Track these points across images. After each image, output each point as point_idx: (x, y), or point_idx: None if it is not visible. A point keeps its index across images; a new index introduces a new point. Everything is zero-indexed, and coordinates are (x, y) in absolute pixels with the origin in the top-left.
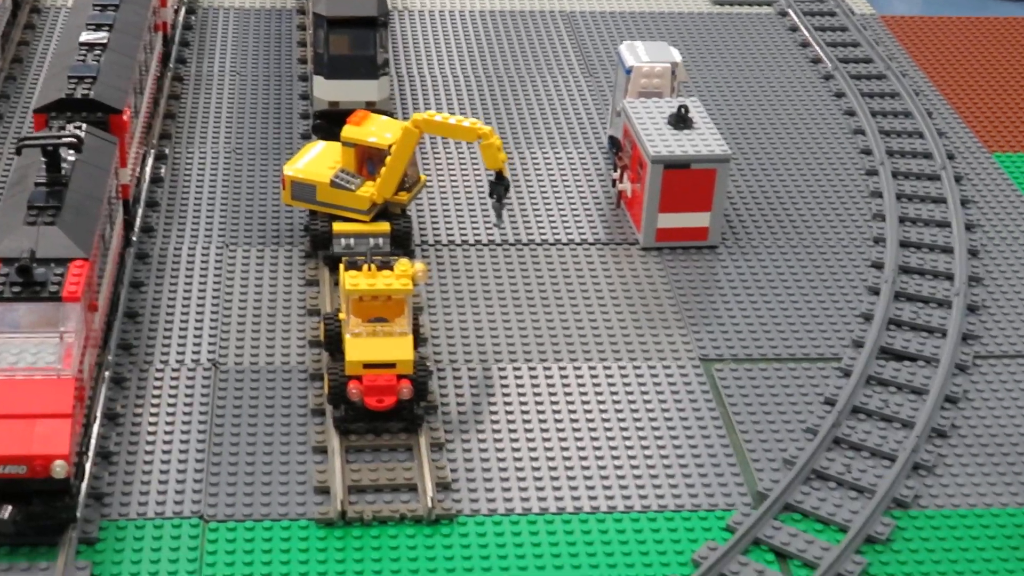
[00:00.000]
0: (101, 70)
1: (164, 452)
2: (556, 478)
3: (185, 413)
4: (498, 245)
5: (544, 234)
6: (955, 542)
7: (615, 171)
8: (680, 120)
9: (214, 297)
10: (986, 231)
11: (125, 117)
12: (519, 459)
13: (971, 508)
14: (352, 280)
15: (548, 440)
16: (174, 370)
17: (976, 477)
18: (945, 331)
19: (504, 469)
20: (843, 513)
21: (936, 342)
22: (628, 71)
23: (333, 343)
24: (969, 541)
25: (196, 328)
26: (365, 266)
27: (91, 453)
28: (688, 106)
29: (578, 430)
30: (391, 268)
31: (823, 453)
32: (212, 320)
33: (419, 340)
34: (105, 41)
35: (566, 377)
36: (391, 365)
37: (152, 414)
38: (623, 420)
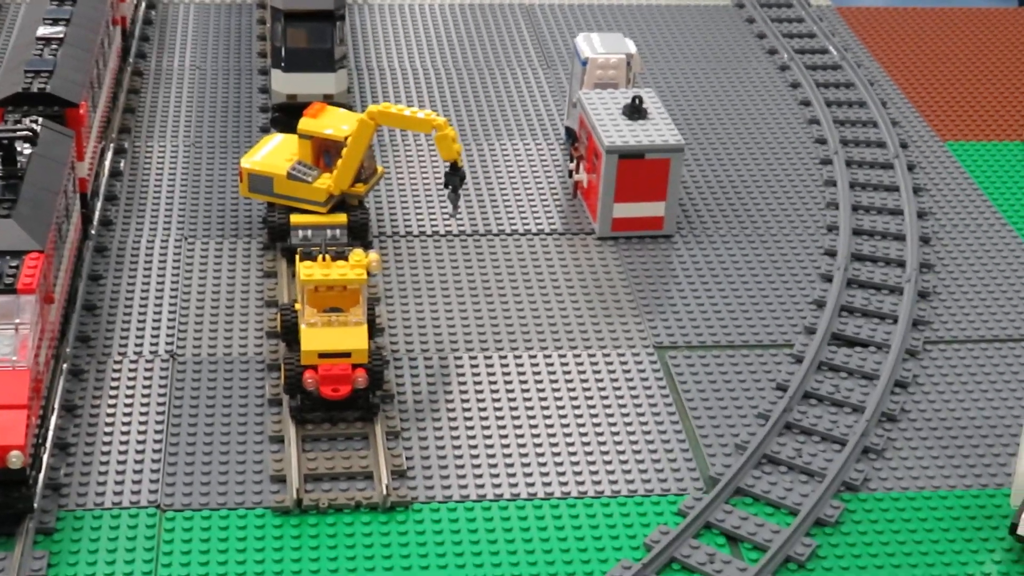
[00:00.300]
0: (58, 64)
1: (122, 443)
2: (511, 465)
3: (143, 404)
4: (455, 236)
5: (501, 224)
6: (903, 524)
7: (571, 162)
8: (634, 111)
9: (172, 289)
10: (938, 218)
11: (82, 111)
12: (474, 446)
13: (920, 491)
14: (307, 270)
15: (503, 427)
16: (132, 361)
17: (925, 460)
18: (896, 317)
19: (459, 456)
20: (793, 497)
21: (887, 328)
22: (584, 62)
23: (289, 333)
24: (917, 523)
25: (154, 320)
26: (320, 256)
27: (48, 444)
28: (642, 97)
29: (533, 417)
30: (346, 258)
31: (774, 438)
32: (170, 312)
33: (375, 330)
34: (62, 35)
35: (521, 366)
36: (346, 354)
37: (110, 405)
38: (577, 407)
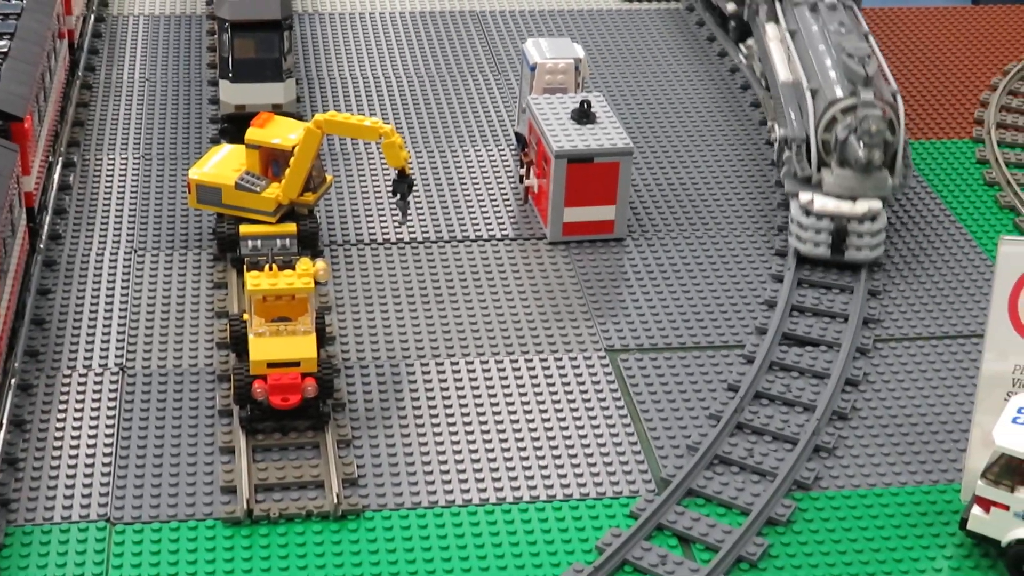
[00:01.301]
0: (2, 77)
1: (71, 457)
2: (462, 471)
3: (92, 418)
4: (407, 243)
5: (452, 231)
6: (855, 522)
7: (522, 167)
8: (583, 115)
9: (122, 302)
10: (888, 218)
11: (27, 124)
12: (425, 453)
13: (871, 488)
14: (254, 280)
15: (455, 434)
16: (81, 375)
17: (876, 458)
18: (847, 316)
19: (411, 463)
20: (745, 496)
21: (838, 327)
22: (532, 68)
23: (239, 344)
24: (869, 520)
25: (104, 333)
26: (267, 266)
27: None
28: (591, 101)
29: (484, 423)
30: (293, 268)
31: (726, 438)
32: (120, 325)
33: (325, 338)
34: (6, 49)
35: (473, 371)
36: (295, 364)
37: (59, 419)
38: (529, 412)
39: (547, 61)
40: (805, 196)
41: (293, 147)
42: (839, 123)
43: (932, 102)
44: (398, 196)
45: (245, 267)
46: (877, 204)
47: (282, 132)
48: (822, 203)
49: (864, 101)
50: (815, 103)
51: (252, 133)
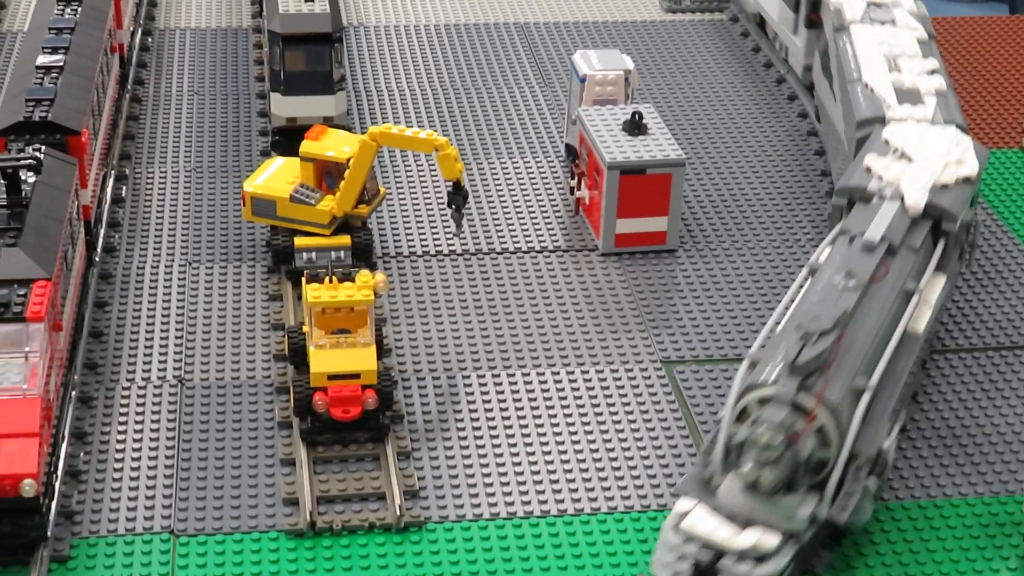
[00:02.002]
0: (58, 92)
1: (133, 469)
2: (523, 483)
3: (152, 430)
4: (459, 255)
5: (504, 243)
6: (916, 534)
7: (572, 179)
8: (634, 126)
9: (178, 314)
10: None
11: (84, 138)
12: (485, 465)
13: (931, 500)
14: (314, 293)
15: (514, 446)
16: (140, 387)
17: (936, 469)
18: None
19: (471, 475)
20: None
21: None
22: (582, 79)
23: (297, 356)
24: (929, 532)
25: (161, 345)
26: (327, 278)
27: (60, 472)
28: (642, 112)
29: (543, 435)
30: (352, 280)
31: None
32: (177, 337)
33: (383, 350)
34: (62, 64)
35: (530, 384)
36: (356, 376)
37: (120, 432)
38: (587, 424)
39: (596, 73)
40: (684, 504)
41: (348, 160)
42: (750, 417)
43: (979, 111)
44: (453, 208)
45: (304, 279)
46: (772, 541)
47: (336, 145)
48: (695, 520)
49: (778, 396)
50: (744, 377)
51: (307, 146)
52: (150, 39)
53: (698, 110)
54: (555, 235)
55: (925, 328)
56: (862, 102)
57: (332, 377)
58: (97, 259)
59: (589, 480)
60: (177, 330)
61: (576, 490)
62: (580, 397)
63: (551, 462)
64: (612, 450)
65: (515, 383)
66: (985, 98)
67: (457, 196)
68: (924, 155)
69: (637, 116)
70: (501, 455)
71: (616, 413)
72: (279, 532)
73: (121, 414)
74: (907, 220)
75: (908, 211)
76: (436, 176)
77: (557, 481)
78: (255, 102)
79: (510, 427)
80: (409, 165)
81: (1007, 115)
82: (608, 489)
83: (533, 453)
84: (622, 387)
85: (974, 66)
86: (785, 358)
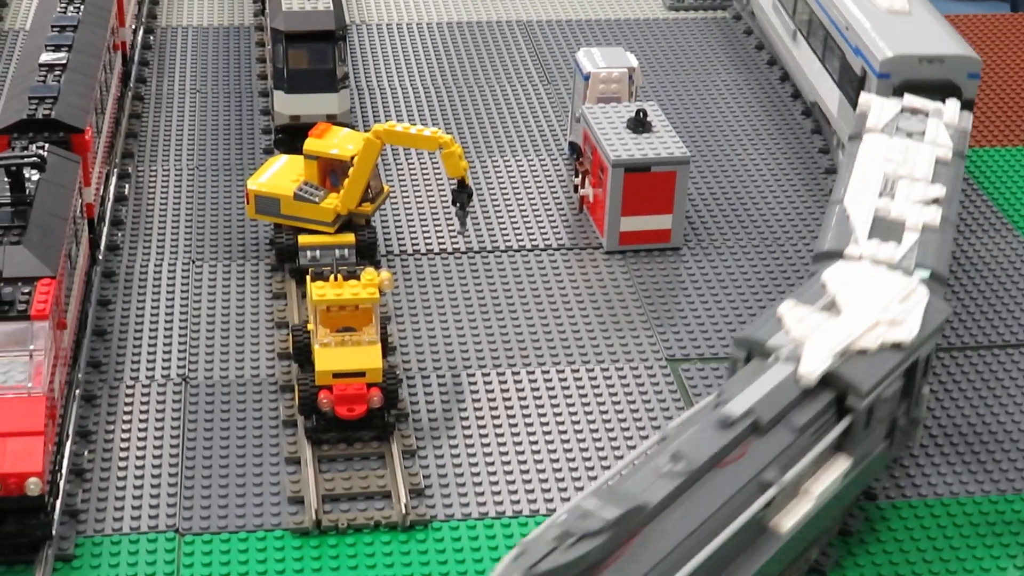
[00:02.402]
0: (62, 90)
1: (137, 467)
2: (528, 481)
3: (157, 428)
4: (463, 253)
5: (508, 241)
6: (923, 532)
7: (576, 176)
8: (639, 124)
9: (182, 313)
10: None
11: (87, 136)
12: (491, 463)
13: (938, 498)
14: (319, 291)
15: (519, 443)
16: (144, 386)
17: (943, 468)
18: None
19: (477, 474)
20: None
21: None
22: (586, 77)
23: (302, 354)
24: (937, 530)
25: (165, 344)
26: (331, 276)
27: (64, 470)
28: (646, 110)
29: (548, 433)
30: (357, 278)
31: None
32: (180, 335)
33: (388, 349)
34: (65, 61)
35: (535, 381)
36: (361, 374)
37: (124, 430)
38: (592, 422)
39: (601, 70)
40: None
41: (351, 157)
42: None
43: (983, 110)
44: (457, 206)
45: (309, 277)
46: None
47: (340, 143)
48: None
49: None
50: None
51: (310, 143)
52: (152, 37)
53: (702, 108)
54: (559, 233)
55: (798, 525)
56: (828, 231)
57: (337, 375)
58: (101, 257)
59: (595, 478)
60: (181, 328)
61: (582, 488)
62: (585, 395)
63: (556, 460)
64: (618, 448)
65: (520, 381)
66: (988, 95)
67: (462, 194)
68: (854, 309)
69: (641, 114)
70: (507, 453)
71: (621, 411)
72: (284, 531)
73: (125, 412)
74: (796, 391)
75: (799, 380)
76: (440, 174)
77: (563, 479)
78: (258, 100)
79: (515, 425)
80: (413, 163)
81: (1010, 112)
82: None
83: (539, 451)
84: (627, 385)
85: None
86: (525, 563)
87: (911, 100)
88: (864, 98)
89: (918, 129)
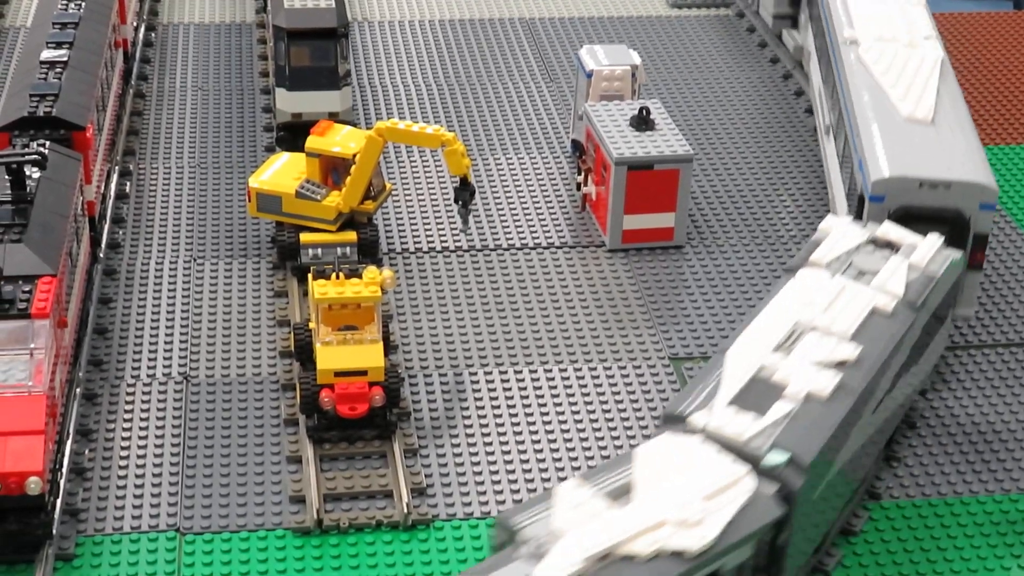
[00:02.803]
0: (63, 88)
1: (138, 466)
2: (531, 480)
3: (158, 427)
4: (465, 251)
5: (511, 239)
6: (926, 531)
7: (579, 174)
8: (642, 122)
9: (183, 311)
10: None
11: (88, 134)
12: (493, 462)
13: (942, 497)
14: (321, 289)
15: (521, 442)
16: (145, 384)
17: (947, 467)
18: None
19: (479, 473)
20: None
21: None
22: (589, 75)
23: (304, 352)
24: (940, 530)
25: (166, 342)
26: (333, 275)
27: (65, 469)
28: (649, 108)
29: (551, 431)
30: (359, 276)
31: None
32: (182, 334)
33: (390, 347)
34: (66, 59)
35: (537, 380)
36: (363, 373)
37: (125, 429)
38: (595, 421)
39: (603, 68)
40: None
41: (353, 155)
42: None
43: (987, 108)
44: (460, 204)
45: (311, 276)
46: None
47: (342, 140)
48: None
49: None
50: None
51: (312, 141)
52: (154, 34)
53: (705, 105)
54: (562, 231)
55: None
56: (690, 387)
57: (339, 374)
58: (102, 255)
59: None
60: (182, 327)
61: None
62: (588, 394)
63: (559, 459)
64: (620, 447)
65: (522, 380)
66: (992, 93)
67: (464, 192)
68: (645, 500)
69: (644, 111)
70: (509, 452)
71: (624, 410)
72: (286, 530)
73: (126, 411)
74: None
75: None
76: (443, 172)
77: (566, 478)
78: (260, 98)
79: (517, 424)
80: (415, 161)
81: (1013, 110)
82: None
83: (541, 450)
84: (630, 383)
85: (979, 62)
86: None
87: (888, 231)
88: (826, 222)
89: (874, 268)
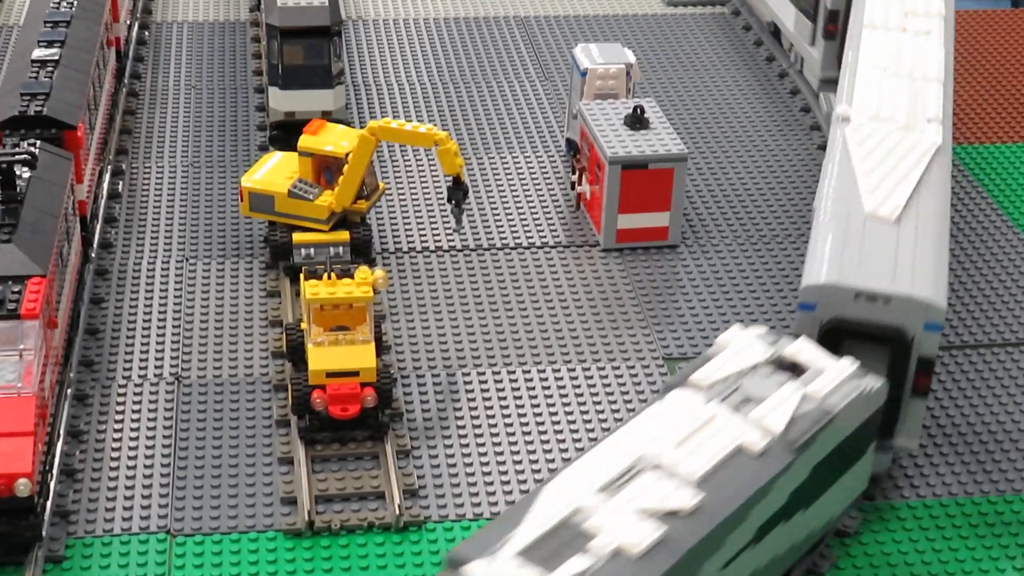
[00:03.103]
0: (54, 86)
1: (129, 468)
2: (523, 481)
3: (149, 428)
4: (459, 251)
5: (504, 238)
6: (922, 532)
7: (573, 173)
8: (636, 121)
9: (175, 311)
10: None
11: (79, 133)
12: (486, 464)
13: (937, 498)
14: (312, 289)
15: (514, 444)
16: (137, 385)
17: (942, 468)
18: None
19: (471, 474)
20: None
21: None
22: (583, 73)
23: (296, 353)
24: (935, 531)
25: (158, 342)
26: (325, 275)
27: (55, 471)
28: (644, 106)
29: (544, 433)
30: (351, 276)
31: None
32: (174, 334)
33: (382, 348)
34: (57, 58)
35: (530, 381)
36: (354, 373)
37: (116, 430)
38: (589, 422)
39: (598, 67)
40: None
41: (346, 154)
42: None
43: (983, 106)
44: (453, 203)
45: (303, 276)
46: None
47: (335, 139)
48: None
49: None
50: None
51: (305, 140)
52: (147, 33)
53: (700, 104)
54: (556, 231)
55: None
56: (489, 528)
57: (331, 375)
58: (93, 255)
59: None
60: (174, 327)
61: None
62: (581, 394)
63: (552, 460)
64: None
65: (515, 380)
66: (989, 91)
67: (457, 191)
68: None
69: (639, 110)
70: (502, 453)
71: (618, 410)
72: (277, 532)
73: (117, 412)
74: None
75: None
76: (436, 171)
77: None
78: (253, 96)
79: (510, 425)
80: (408, 160)
81: (1010, 109)
82: None
83: (534, 451)
84: (623, 384)
85: (977, 60)
86: None
87: (798, 350)
88: (728, 333)
89: (762, 395)
